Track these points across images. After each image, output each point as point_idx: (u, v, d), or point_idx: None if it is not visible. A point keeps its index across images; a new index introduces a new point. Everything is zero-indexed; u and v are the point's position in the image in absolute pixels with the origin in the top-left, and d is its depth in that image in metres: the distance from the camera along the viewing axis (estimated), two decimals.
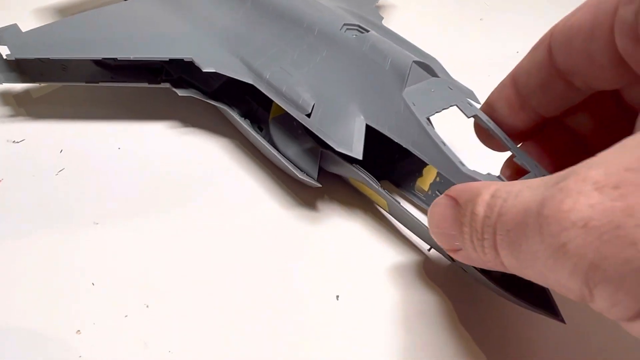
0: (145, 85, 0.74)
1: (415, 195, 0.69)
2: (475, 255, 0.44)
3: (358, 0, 0.87)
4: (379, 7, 1.01)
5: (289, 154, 0.67)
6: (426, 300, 0.61)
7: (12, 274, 0.60)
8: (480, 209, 0.42)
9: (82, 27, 0.75)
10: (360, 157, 0.60)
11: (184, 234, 0.65)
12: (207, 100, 0.72)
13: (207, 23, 0.77)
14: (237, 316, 0.58)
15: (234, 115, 0.71)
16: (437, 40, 1.00)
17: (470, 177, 0.53)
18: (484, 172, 0.53)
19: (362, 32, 0.67)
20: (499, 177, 0.53)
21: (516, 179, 0.45)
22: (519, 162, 0.54)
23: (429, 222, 0.50)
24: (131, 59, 0.70)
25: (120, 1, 0.83)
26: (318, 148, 0.65)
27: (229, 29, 0.75)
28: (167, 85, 0.73)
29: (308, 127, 0.63)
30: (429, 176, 0.68)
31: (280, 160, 0.66)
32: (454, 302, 0.61)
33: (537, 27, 1.03)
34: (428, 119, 0.58)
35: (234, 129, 0.78)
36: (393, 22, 1.05)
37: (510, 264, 0.40)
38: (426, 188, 0.68)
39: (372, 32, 0.67)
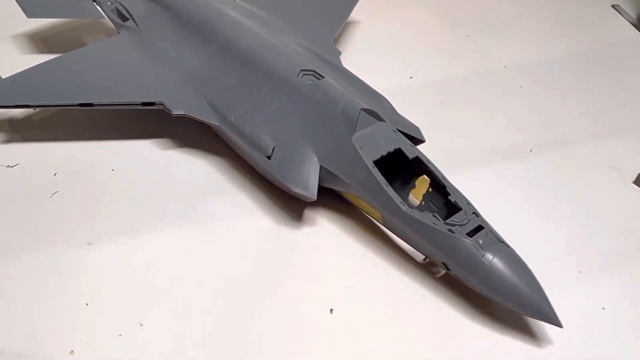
0: (140, 107, 0.75)
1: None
2: None
3: (316, 34, 0.90)
4: (349, 22, 1.03)
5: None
6: (423, 309, 0.61)
7: (6, 296, 0.60)
8: None
9: (58, 73, 0.78)
10: (314, 197, 0.66)
11: (178, 252, 0.65)
12: (201, 120, 0.73)
13: (175, 63, 0.80)
14: (233, 333, 0.57)
15: (231, 136, 0.71)
16: (420, 60, 1.01)
17: (409, 215, 0.60)
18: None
19: (318, 79, 0.72)
20: (434, 215, 0.61)
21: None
22: (452, 200, 0.62)
23: None
24: (105, 103, 0.74)
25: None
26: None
27: (195, 70, 0.79)
28: (162, 105, 0.74)
29: (268, 169, 0.68)
30: (422, 188, 0.68)
31: (275, 175, 0.67)
32: (451, 308, 0.61)
33: (524, 40, 1.07)
34: (374, 162, 0.65)
35: (227, 147, 0.78)
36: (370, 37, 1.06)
37: None
38: (419, 199, 0.68)
39: (327, 78, 0.72)
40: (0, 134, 0.81)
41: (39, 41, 1.00)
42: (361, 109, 0.67)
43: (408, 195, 0.70)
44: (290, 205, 0.71)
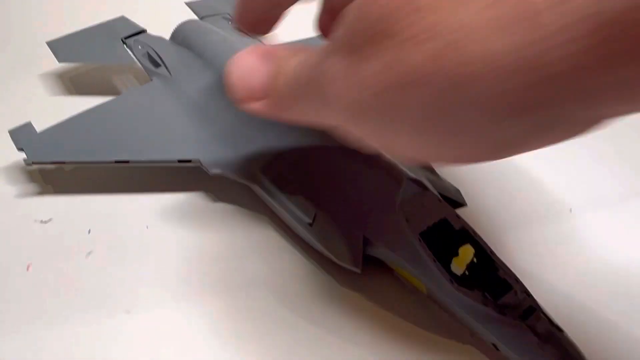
0: (176, 164, 0.74)
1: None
2: None
3: None
4: None
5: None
6: None
7: None
8: None
9: (92, 126, 0.77)
10: (359, 271, 0.64)
11: (220, 324, 0.64)
12: (239, 180, 0.72)
13: (210, 117, 0.79)
14: None
15: (269, 198, 0.70)
16: None
17: (457, 294, 0.59)
18: None
19: None
20: (484, 294, 0.58)
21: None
22: (501, 276, 0.60)
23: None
24: (142, 160, 0.73)
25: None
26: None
27: (231, 126, 0.77)
28: (199, 163, 0.73)
29: (310, 236, 0.66)
30: (465, 257, 0.67)
31: (318, 244, 0.66)
32: None
33: None
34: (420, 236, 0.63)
35: (262, 204, 0.77)
36: None
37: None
38: (462, 269, 0.67)
39: None
40: (31, 184, 0.80)
41: (68, 81, 1.00)
42: (407, 178, 0.66)
43: (450, 262, 0.68)
44: (333, 272, 0.69)
